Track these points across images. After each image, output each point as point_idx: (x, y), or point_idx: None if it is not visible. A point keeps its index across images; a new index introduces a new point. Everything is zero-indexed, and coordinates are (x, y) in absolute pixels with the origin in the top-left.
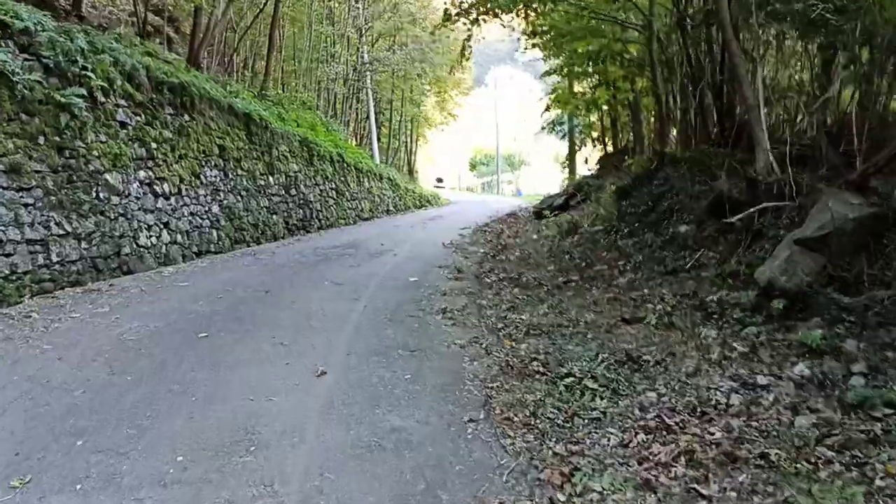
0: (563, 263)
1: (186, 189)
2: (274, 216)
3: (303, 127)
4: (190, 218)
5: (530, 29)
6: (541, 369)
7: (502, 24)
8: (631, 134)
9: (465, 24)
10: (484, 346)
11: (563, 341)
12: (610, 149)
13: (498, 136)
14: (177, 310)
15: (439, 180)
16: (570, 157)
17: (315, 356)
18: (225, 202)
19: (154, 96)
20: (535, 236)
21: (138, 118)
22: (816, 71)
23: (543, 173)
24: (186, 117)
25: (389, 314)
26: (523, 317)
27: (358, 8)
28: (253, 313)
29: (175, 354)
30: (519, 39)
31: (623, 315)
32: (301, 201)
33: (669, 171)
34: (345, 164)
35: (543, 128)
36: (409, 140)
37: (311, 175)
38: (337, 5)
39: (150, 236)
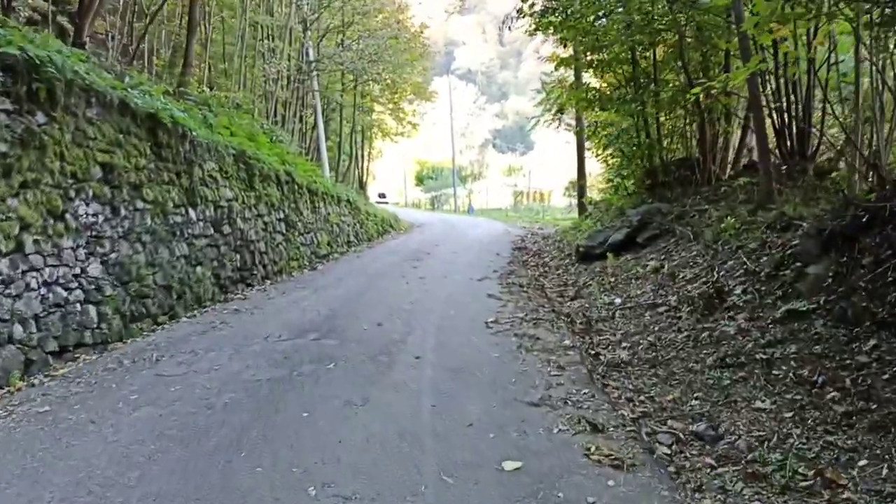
0: (782, 396)
1: (38, 240)
2: (198, 268)
3: (238, 136)
4: (44, 290)
5: None
6: None
7: None
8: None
9: None
10: None
11: None
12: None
13: (454, 147)
14: None
15: (382, 196)
16: (580, 170)
17: None
18: (113, 256)
19: None
20: (616, 299)
21: None
22: None
23: (493, 188)
24: (41, 117)
25: None
26: None
27: None
28: None
29: None
30: (452, 51)
31: None
32: (238, 242)
33: None
34: (296, 186)
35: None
36: (360, 152)
37: (252, 203)
38: None
39: None
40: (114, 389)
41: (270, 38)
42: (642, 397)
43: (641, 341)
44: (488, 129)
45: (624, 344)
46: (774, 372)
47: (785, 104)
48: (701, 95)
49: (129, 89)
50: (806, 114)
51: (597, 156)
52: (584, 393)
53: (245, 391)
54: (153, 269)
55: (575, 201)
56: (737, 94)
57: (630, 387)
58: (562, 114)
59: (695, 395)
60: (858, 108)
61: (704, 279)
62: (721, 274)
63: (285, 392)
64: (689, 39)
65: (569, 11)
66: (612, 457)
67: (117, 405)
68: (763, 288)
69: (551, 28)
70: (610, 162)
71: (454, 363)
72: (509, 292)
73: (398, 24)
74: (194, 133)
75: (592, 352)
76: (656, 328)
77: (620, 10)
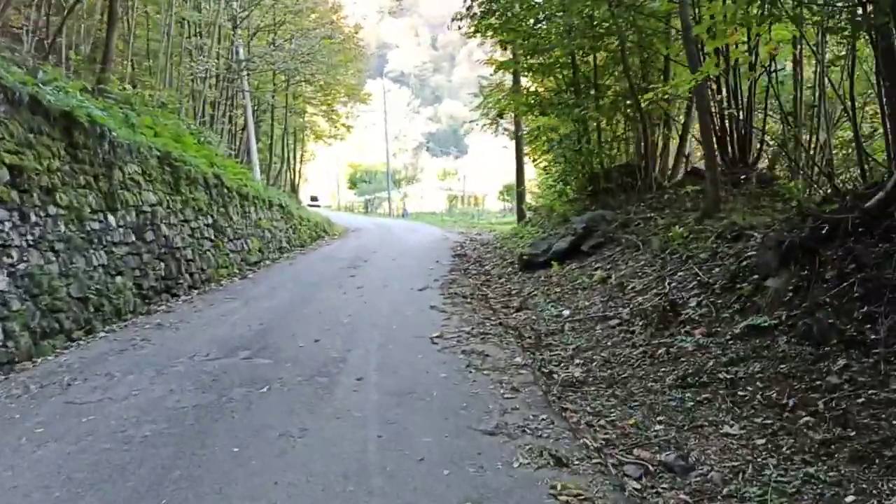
0: (751, 420)
1: None
2: (118, 278)
3: (163, 137)
4: None
5: None
6: None
7: None
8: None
9: None
10: None
11: None
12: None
13: (388, 150)
14: None
15: (314, 199)
16: (519, 176)
17: None
18: (22, 266)
19: None
20: (564, 311)
21: None
22: None
23: (428, 192)
24: None
25: None
26: None
27: None
28: None
29: None
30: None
31: None
32: (163, 250)
33: None
34: (225, 190)
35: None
36: (292, 155)
37: (178, 208)
38: None
39: None
40: (17, 421)
41: (198, 35)
42: (603, 422)
43: (595, 357)
44: (422, 133)
45: (577, 360)
46: (740, 393)
47: (727, 111)
48: (642, 101)
49: (41, 85)
50: (748, 121)
51: (534, 161)
52: (543, 419)
53: (168, 421)
54: (67, 280)
55: (510, 205)
56: (680, 99)
57: (588, 409)
58: (501, 118)
59: (658, 418)
60: (799, 116)
61: (656, 290)
62: (672, 285)
63: (213, 422)
64: (629, 44)
65: (509, 14)
66: (582, 496)
67: (20, 441)
68: (719, 301)
69: (491, 31)
70: (550, 167)
71: (400, 385)
72: (453, 303)
73: (332, 24)
74: (114, 133)
75: (545, 370)
76: (609, 343)
77: (561, 13)
